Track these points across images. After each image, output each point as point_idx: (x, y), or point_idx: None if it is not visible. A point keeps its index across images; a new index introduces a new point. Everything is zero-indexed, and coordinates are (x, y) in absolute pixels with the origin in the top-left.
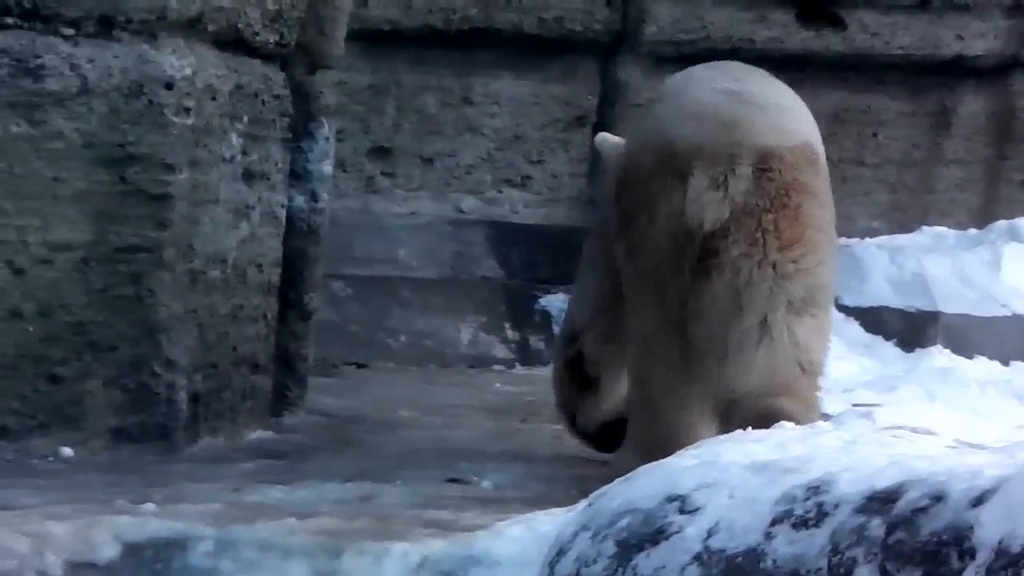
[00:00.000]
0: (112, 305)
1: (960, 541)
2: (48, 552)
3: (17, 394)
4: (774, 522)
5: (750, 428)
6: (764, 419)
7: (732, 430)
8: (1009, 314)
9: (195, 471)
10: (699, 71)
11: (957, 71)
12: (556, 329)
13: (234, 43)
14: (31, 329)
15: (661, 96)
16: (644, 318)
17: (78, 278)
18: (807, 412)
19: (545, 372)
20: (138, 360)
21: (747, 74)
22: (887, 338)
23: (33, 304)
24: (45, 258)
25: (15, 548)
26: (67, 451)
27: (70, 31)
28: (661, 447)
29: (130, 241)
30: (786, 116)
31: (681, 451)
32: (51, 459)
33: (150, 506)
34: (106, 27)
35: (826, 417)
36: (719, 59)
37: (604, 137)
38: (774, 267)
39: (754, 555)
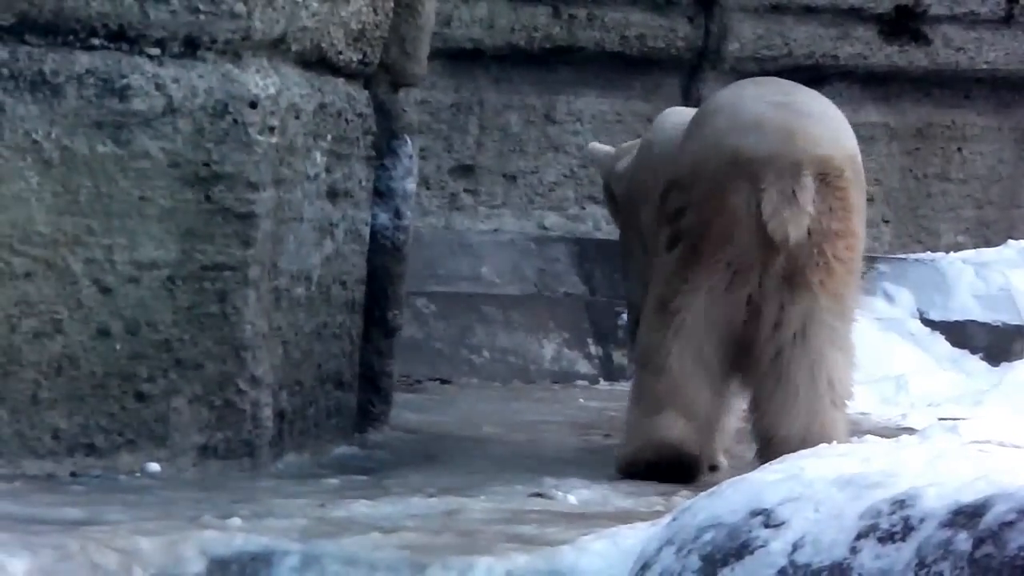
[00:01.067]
0: (198, 323)
1: None
2: (136, 567)
3: (105, 411)
4: (859, 536)
5: None
6: None
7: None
8: None
9: (281, 487)
10: (748, 85)
11: None
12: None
13: (318, 62)
14: (118, 347)
15: (713, 109)
16: (689, 302)
17: (165, 296)
18: None
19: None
20: (224, 377)
21: (795, 88)
22: (973, 352)
23: (120, 322)
24: (132, 276)
25: (104, 564)
26: (154, 467)
27: (156, 51)
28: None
29: (216, 259)
30: (839, 128)
31: (765, 465)
32: (138, 475)
33: (236, 521)
34: (191, 48)
35: (912, 431)
36: (803, 76)
37: (594, 146)
38: (828, 291)
39: (840, 570)
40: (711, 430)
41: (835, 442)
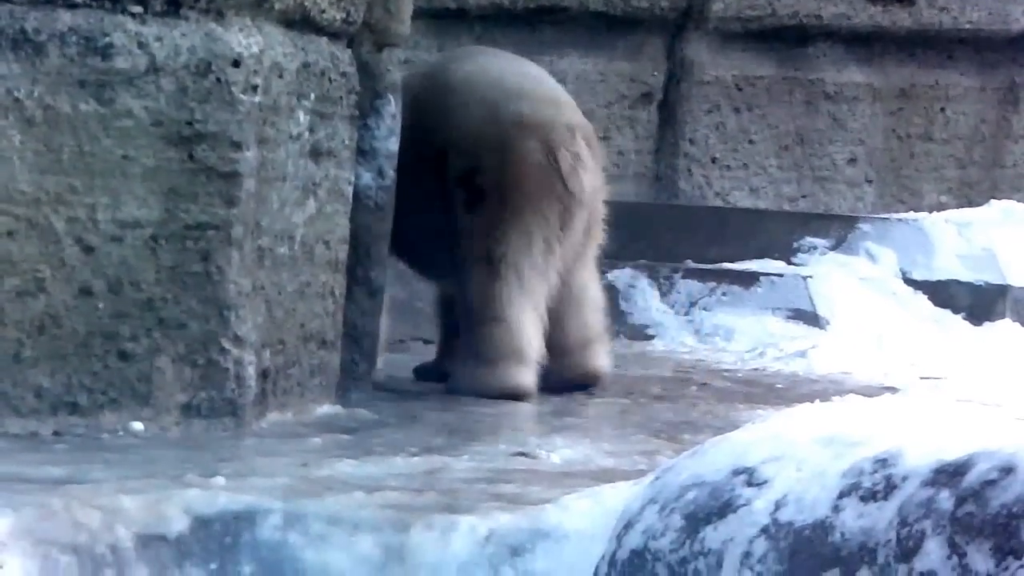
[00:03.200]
0: (181, 282)
1: None
2: (119, 525)
3: (88, 370)
4: (842, 495)
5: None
6: (588, 377)
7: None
8: None
9: (264, 446)
10: (490, 58)
11: None
12: (623, 304)
13: (301, 21)
14: (101, 306)
15: (475, 80)
16: (517, 255)
17: (148, 255)
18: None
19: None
20: (207, 337)
21: (524, 60)
22: (955, 312)
23: (103, 281)
24: (115, 235)
25: (86, 522)
26: (137, 426)
27: (138, 9)
28: (508, 355)
29: (199, 219)
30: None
31: (747, 425)
32: (121, 434)
33: (220, 480)
34: (174, 6)
35: (894, 391)
36: (787, 36)
37: None
38: (596, 236)
39: (822, 528)
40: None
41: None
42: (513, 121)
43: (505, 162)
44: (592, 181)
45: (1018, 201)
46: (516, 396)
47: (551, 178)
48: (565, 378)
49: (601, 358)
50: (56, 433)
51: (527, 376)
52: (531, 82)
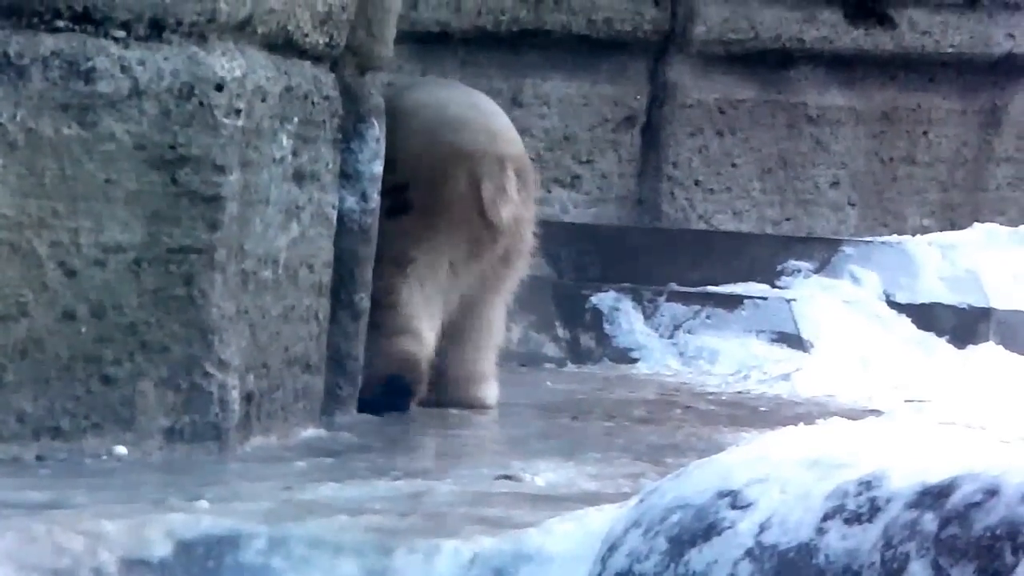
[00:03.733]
0: (164, 306)
1: (1014, 536)
2: (102, 550)
3: (70, 394)
4: (826, 517)
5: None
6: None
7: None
8: None
9: (247, 470)
10: (440, 87)
11: (1008, 69)
12: (607, 327)
13: (284, 45)
14: (84, 330)
15: (421, 105)
16: (421, 264)
17: (131, 279)
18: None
19: (596, 370)
20: (190, 360)
21: (474, 92)
22: (939, 335)
23: (86, 305)
24: (98, 259)
25: (70, 546)
26: (120, 450)
27: (121, 33)
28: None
29: (182, 242)
30: (514, 129)
31: (732, 447)
32: (104, 458)
33: (203, 504)
34: (156, 30)
35: (878, 413)
36: (769, 59)
37: None
38: (516, 266)
39: (807, 550)
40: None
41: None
42: (445, 150)
43: (433, 186)
44: (515, 212)
45: (1001, 224)
46: (406, 366)
47: (470, 208)
48: (444, 403)
49: (487, 390)
50: (39, 457)
51: (419, 348)
52: (472, 113)
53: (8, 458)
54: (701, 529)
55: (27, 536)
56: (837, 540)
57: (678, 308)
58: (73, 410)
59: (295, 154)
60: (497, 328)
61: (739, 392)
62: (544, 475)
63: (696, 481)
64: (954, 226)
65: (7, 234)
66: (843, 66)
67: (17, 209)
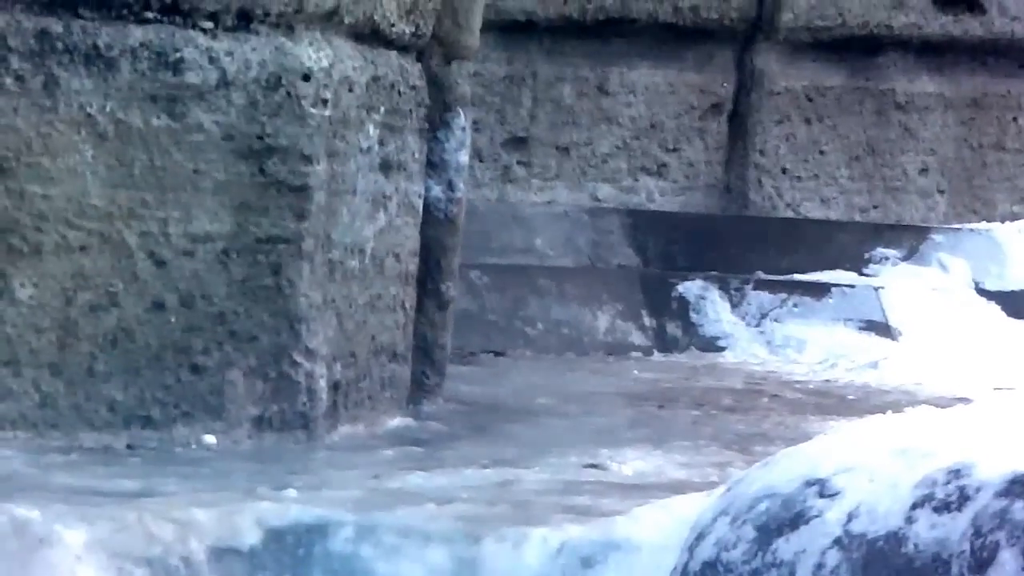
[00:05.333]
0: (253, 295)
1: None
2: (192, 538)
3: (160, 384)
4: (915, 506)
5: None
6: None
7: None
8: None
9: (335, 459)
10: None
11: None
12: (694, 316)
13: (370, 35)
14: (173, 319)
15: None
16: None
17: (219, 269)
18: None
19: (683, 359)
20: (278, 350)
21: None
22: None
23: (175, 295)
24: (187, 249)
25: (160, 534)
26: (210, 439)
27: (209, 24)
28: None
29: (270, 232)
30: None
31: (819, 436)
32: (194, 447)
33: (291, 492)
34: (244, 20)
35: (967, 401)
36: (857, 46)
37: None
38: None
39: (895, 539)
40: None
41: None
42: None
43: None
44: None
45: None
46: None
47: None
48: None
49: None
50: (129, 446)
51: None
52: None
53: (99, 447)
54: (789, 518)
55: (119, 524)
56: (926, 529)
57: (765, 296)
58: (163, 399)
59: (382, 144)
60: None
61: (826, 381)
62: (632, 464)
63: (784, 470)
64: None
65: (98, 225)
66: (932, 52)
67: (107, 200)
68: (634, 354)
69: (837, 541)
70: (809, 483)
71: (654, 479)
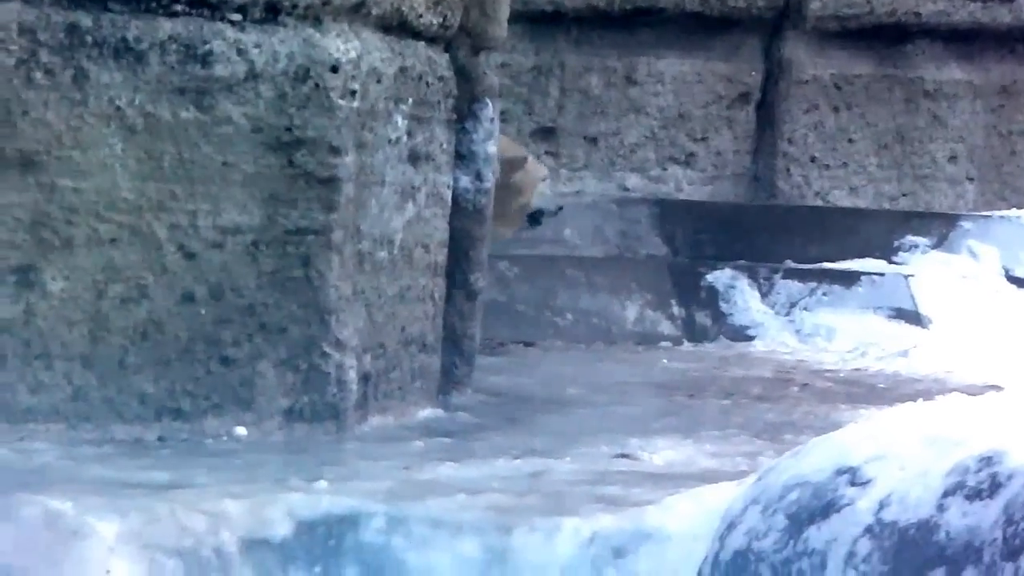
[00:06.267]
0: (282, 287)
1: None
2: (223, 529)
3: (191, 376)
4: (946, 494)
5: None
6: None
7: None
8: None
9: (366, 450)
10: None
11: None
12: (723, 305)
13: (398, 26)
14: (203, 312)
15: None
16: None
17: (248, 261)
18: None
19: (712, 348)
20: (308, 341)
21: None
22: None
23: (205, 287)
24: (216, 242)
25: (192, 526)
26: (240, 431)
27: (237, 17)
28: None
29: (299, 224)
30: None
31: (850, 425)
32: (224, 439)
33: (322, 484)
34: (272, 13)
35: (998, 389)
36: (885, 34)
37: None
38: None
39: (927, 527)
40: None
41: None
42: None
43: None
44: None
45: None
46: None
47: None
48: None
49: None
50: (160, 438)
51: None
52: None
53: (131, 439)
54: (820, 507)
55: (150, 516)
56: (958, 517)
57: (794, 285)
58: (193, 391)
59: (410, 135)
60: None
61: (857, 369)
62: (662, 453)
63: (814, 459)
64: None
65: (127, 217)
66: (960, 40)
67: (137, 193)
68: (663, 344)
69: (868, 529)
70: (840, 472)
71: (684, 469)
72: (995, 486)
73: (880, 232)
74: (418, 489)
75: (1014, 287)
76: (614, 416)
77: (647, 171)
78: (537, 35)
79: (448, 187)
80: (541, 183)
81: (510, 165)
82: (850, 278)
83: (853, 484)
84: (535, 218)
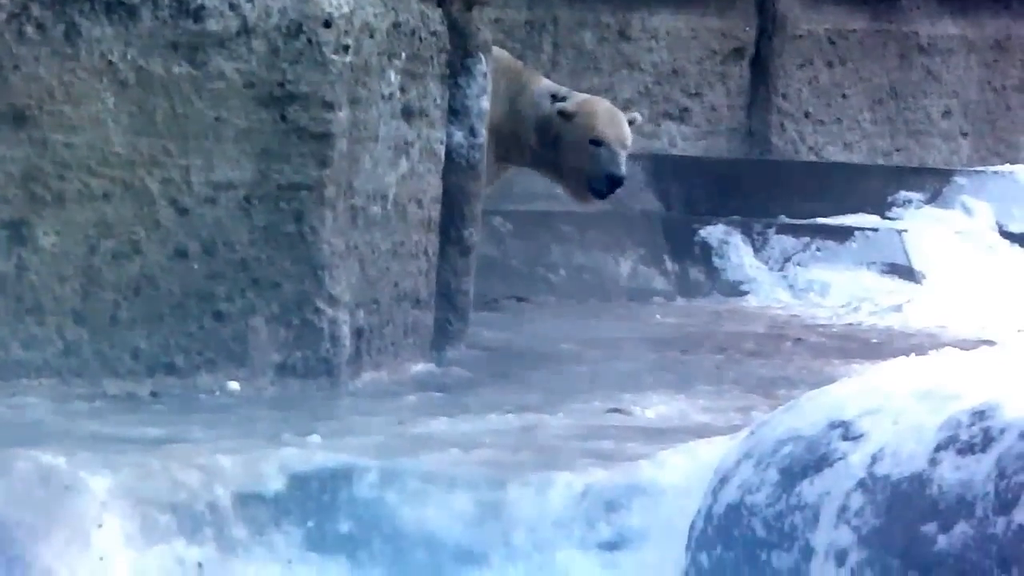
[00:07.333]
0: (275, 243)
1: None
2: (217, 484)
3: (184, 331)
4: (939, 448)
5: None
6: None
7: None
8: None
9: (359, 405)
10: None
11: None
12: (716, 261)
13: None
14: (196, 267)
15: None
16: None
17: (241, 216)
18: None
19: (706, 303)
20: (301, 297)
21: None
22: None
23: (198, 243)
24: (209, 197)
25: (186, 480)
26: (234, 386)
27: None
28: None
29: (292, 179)
30: None
31: (843, 379)
32: (218, 394)
33: (316, 439)
34: None
35: (991, 343)
36: None
37: None
38: None
39: (919, 481)
40: None
41: None
42: None
43: None
44: None
45: None
46: None
47: None
48: None
49: None
50: (153, 393)
51: None
52: None
53: (123, 394)
54: (813, 461)
55: (144, 471)
56: (950, 471)
57: (788, 241)
58: (186, 347)
59: (403, 90)
60: None
61: (850, 324)
62: (655, 408)
63: (807, 413)
64: None
65: (119, 172)
66: None
67: (129, 147)
68: (657, 299)
69: (861, 483)
70: (833, 426)
71: (678, 423)
72: (988, 440)
73: (874, 187)
74: (411, 444)
75: (1007, 242)
76: (607, 371)
77: (641, 127)
78: None
79: (441, 143)
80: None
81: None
82: (844, 233)
83: (846, 438)
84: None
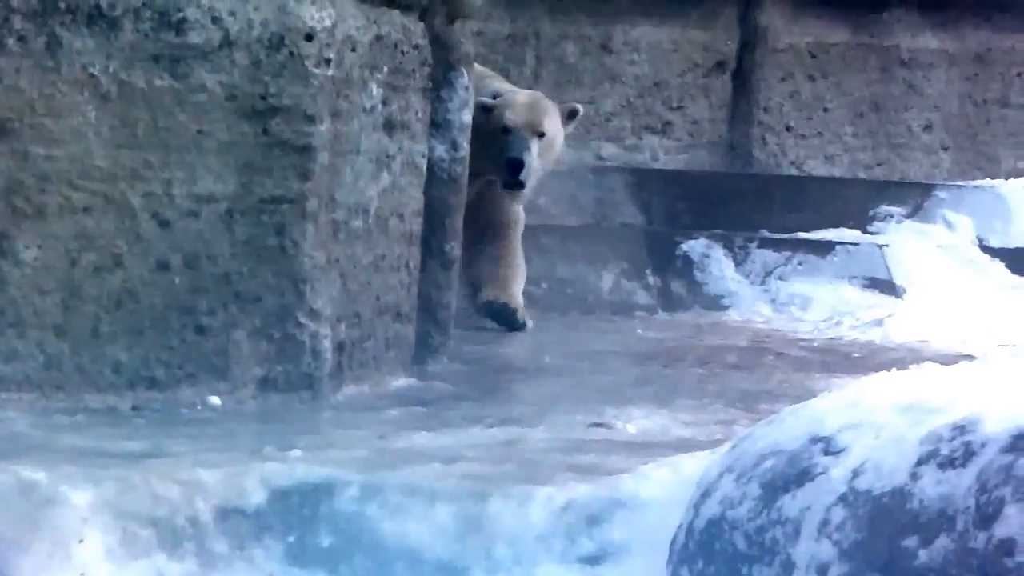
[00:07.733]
0: (257, 256)
1: None
2: (198, 498)
3: (165, 345)
4: (920, 462)
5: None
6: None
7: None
8: None
9: (340, 419)
10: None
11: None
12: (698, 274)
13: None
14: (178, 280)
15: None
16: None
17: (223, 230)
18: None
19: (687, 317)
20: (283, 310)
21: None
22: None
23: (179, 256)
24: (191, 210)
25: (166, 495)
26: (215, 400)
27: None
28: None
29: (274, 192)
30: None
31: (824, 394)
32: (199, 408)
33: (297, 453)
34: None
35: (972, 358)
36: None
37: None
38: None
39: (901, 495)
40: None
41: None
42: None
43: None
44: None
45: None
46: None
47: None
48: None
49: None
50: (134, 407)
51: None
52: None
53: (104, 408)
54: (794, 475)
55: (125, 485)
56: (931, 485)
57: (769, 254)
58: (168, 360)
59: (385, 103)
60: None
61: (831, 338)
62: (637, 422)
63: (789, 427)
64: None
65: (101, 185)
66: (936, 8)
67: (111, 160)
68: (639, 313)
69: (842, 498)
70: (814, 440)
71: (659, 437)
72: (969, 454)
73: (855, 201)
74: (393, 458)
75: (988, 257)
76: (589, 385)
77: (623, 140)
78: (512, 3)
79: (423, 156)
80: None
81: None
82: (825, 247)
83: (827, 452)
84: None
